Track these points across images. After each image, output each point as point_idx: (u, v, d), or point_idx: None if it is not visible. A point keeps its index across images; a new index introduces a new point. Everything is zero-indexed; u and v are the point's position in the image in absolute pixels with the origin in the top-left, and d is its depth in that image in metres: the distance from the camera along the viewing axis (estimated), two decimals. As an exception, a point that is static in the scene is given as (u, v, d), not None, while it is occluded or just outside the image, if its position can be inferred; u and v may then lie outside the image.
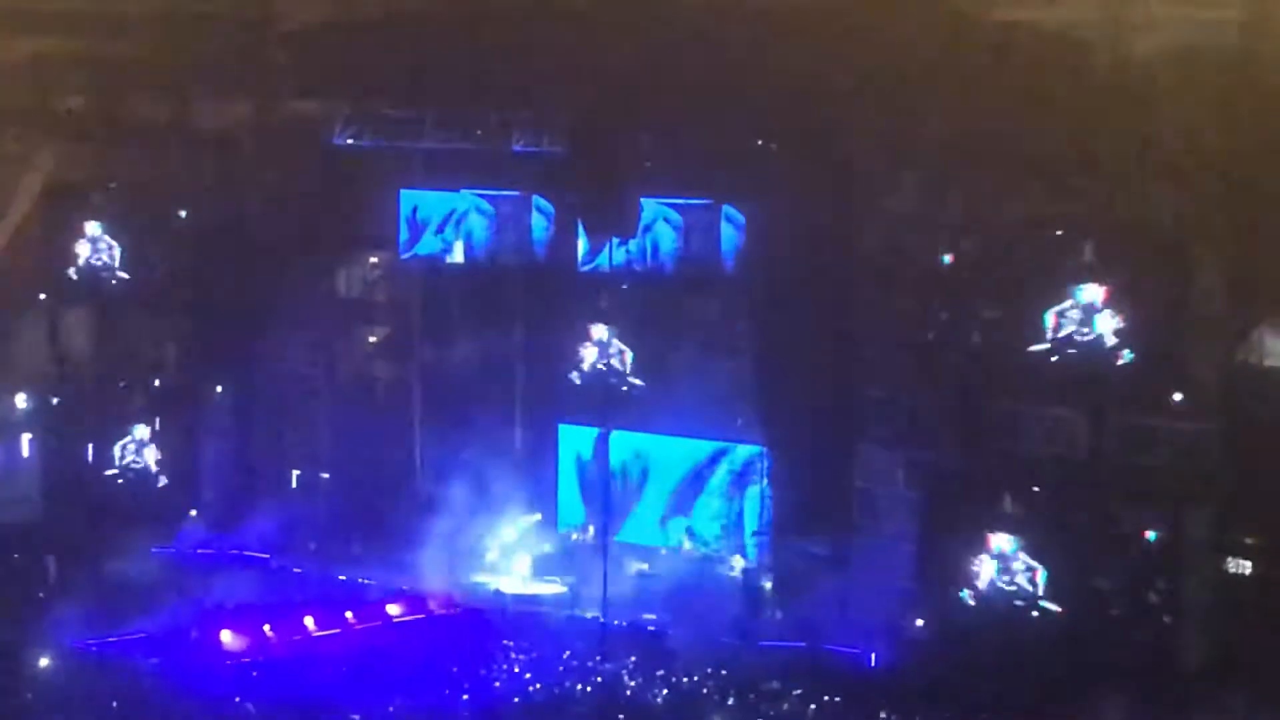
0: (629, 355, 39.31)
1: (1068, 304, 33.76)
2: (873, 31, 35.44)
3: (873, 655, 35.27)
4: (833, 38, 35.59)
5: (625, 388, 39.44)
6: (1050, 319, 33.94)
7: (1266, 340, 33.49)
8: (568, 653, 34.82)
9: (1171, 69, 33.37)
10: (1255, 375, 33.48)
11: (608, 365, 39.52)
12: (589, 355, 39.61)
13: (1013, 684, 33.02)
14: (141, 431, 42.49)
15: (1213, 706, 31.39)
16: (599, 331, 39.57)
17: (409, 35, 38.84)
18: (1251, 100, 32.83)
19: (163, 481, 42.67)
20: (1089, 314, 33.71)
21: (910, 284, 36.24)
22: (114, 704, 31.46)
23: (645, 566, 38.96)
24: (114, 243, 42.08)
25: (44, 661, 33.51)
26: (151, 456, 42.57)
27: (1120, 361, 33.53)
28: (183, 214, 41.72)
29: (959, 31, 35.08)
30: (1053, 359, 33.98)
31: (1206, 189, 33.30)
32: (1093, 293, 33.66)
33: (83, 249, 42.22)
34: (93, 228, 42.15)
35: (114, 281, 42.27)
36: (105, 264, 42.25)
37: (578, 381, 40.00)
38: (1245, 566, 33.52)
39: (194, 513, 42.17)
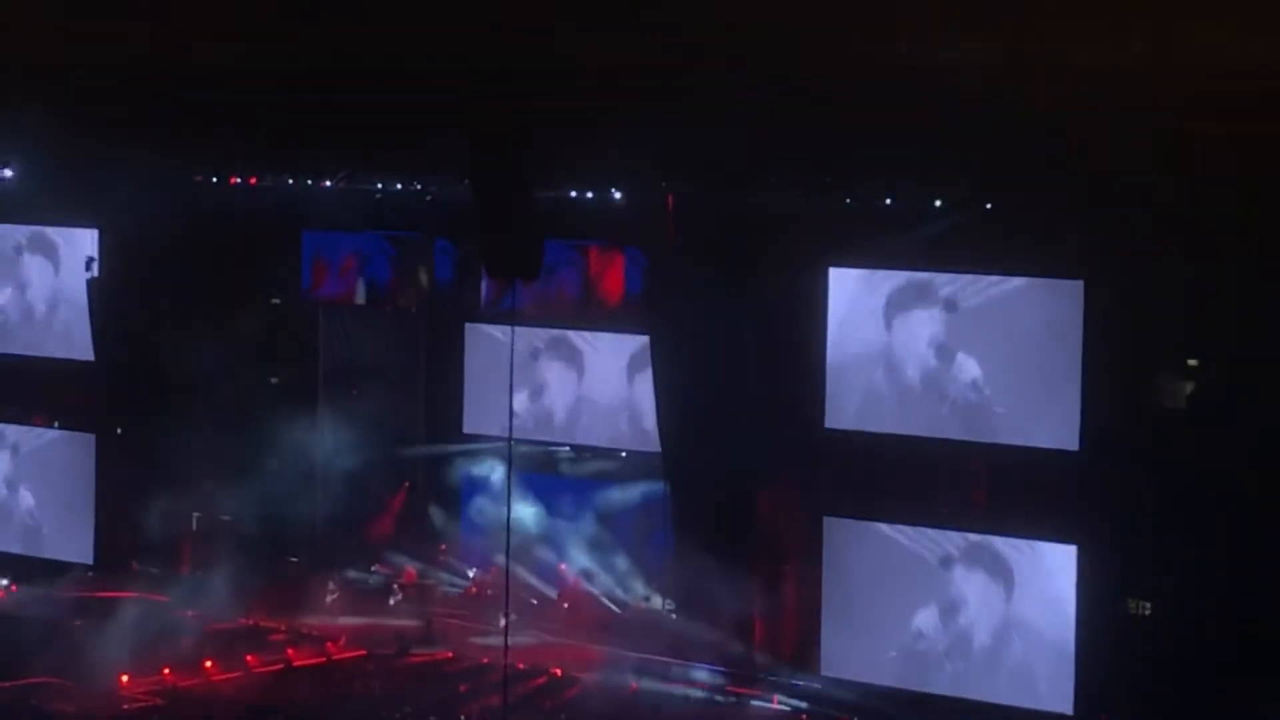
0: (533, 397, 39.44)
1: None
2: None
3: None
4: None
5: (529, 432, 39.52)
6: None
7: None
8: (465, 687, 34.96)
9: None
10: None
11: (510, 409, 39.58)
12: (491, 399, 39.68)
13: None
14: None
15: None
16: (504, 376, 39.60)
17: (314, 75, 38.58)
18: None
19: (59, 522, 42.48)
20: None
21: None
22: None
23: (548, 606, 38.98)
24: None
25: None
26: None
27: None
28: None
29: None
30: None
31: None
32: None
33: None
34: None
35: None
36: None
37: (480, 426, 40.23)
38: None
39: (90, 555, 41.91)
